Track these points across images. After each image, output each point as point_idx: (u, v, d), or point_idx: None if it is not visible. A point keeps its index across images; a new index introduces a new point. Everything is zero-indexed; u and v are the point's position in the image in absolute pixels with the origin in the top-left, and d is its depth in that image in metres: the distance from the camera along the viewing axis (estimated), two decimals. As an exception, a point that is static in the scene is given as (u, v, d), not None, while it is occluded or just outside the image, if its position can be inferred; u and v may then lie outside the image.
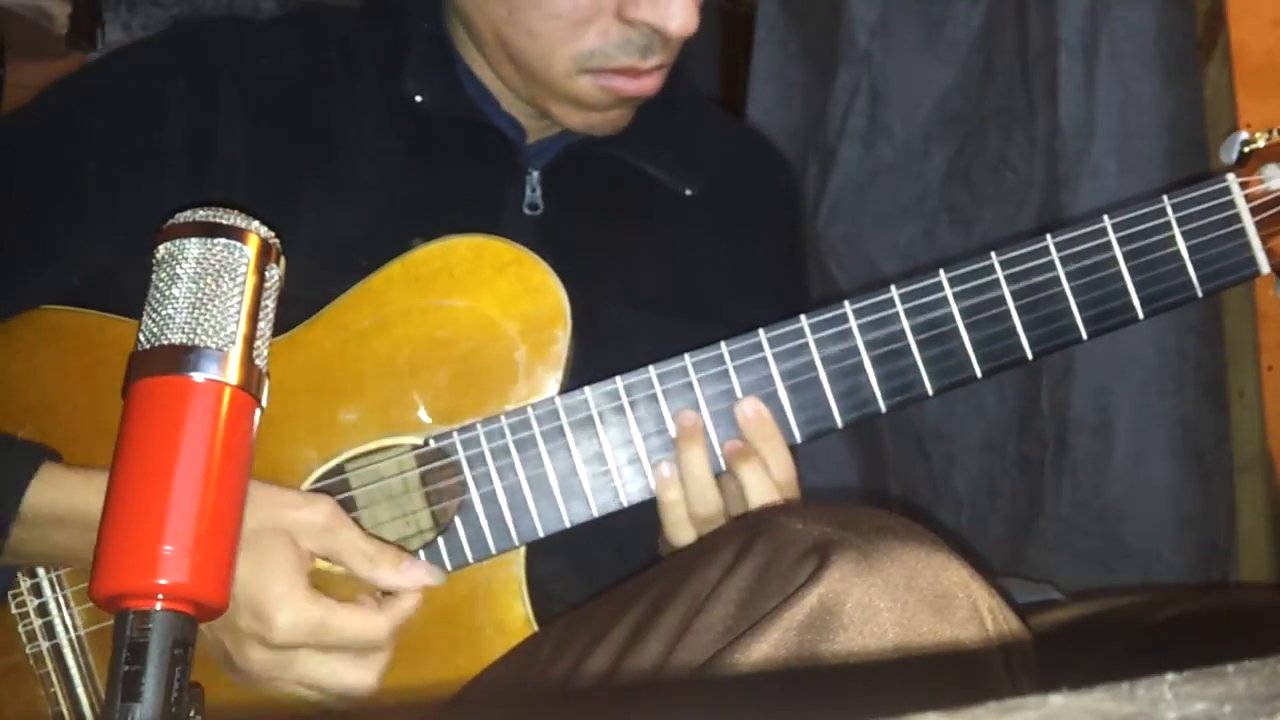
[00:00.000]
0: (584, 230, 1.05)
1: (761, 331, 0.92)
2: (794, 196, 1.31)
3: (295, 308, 0.92)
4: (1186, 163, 1.55)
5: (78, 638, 0.96)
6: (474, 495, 0.92)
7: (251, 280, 0.71)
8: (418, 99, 1.03)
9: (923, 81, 1.84)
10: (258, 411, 0.70)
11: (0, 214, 1.01)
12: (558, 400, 0.92)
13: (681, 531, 0.93)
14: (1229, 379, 1.51)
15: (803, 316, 0.92)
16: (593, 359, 0.94)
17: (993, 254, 0.91)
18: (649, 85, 1.00)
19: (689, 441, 0.92)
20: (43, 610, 0.96)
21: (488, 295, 0.94)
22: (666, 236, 1.11)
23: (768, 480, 0.91)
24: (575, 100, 1.00)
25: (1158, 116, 1.58)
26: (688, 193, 1.11)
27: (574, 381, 0.94)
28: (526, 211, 1.05)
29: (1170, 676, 0.34)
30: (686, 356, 0.92)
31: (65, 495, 0.88)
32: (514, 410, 0.92)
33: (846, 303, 0.91)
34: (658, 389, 0.92)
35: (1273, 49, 1.46)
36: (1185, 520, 1.55)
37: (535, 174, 1.06)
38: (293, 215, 0.91)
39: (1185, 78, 1.55)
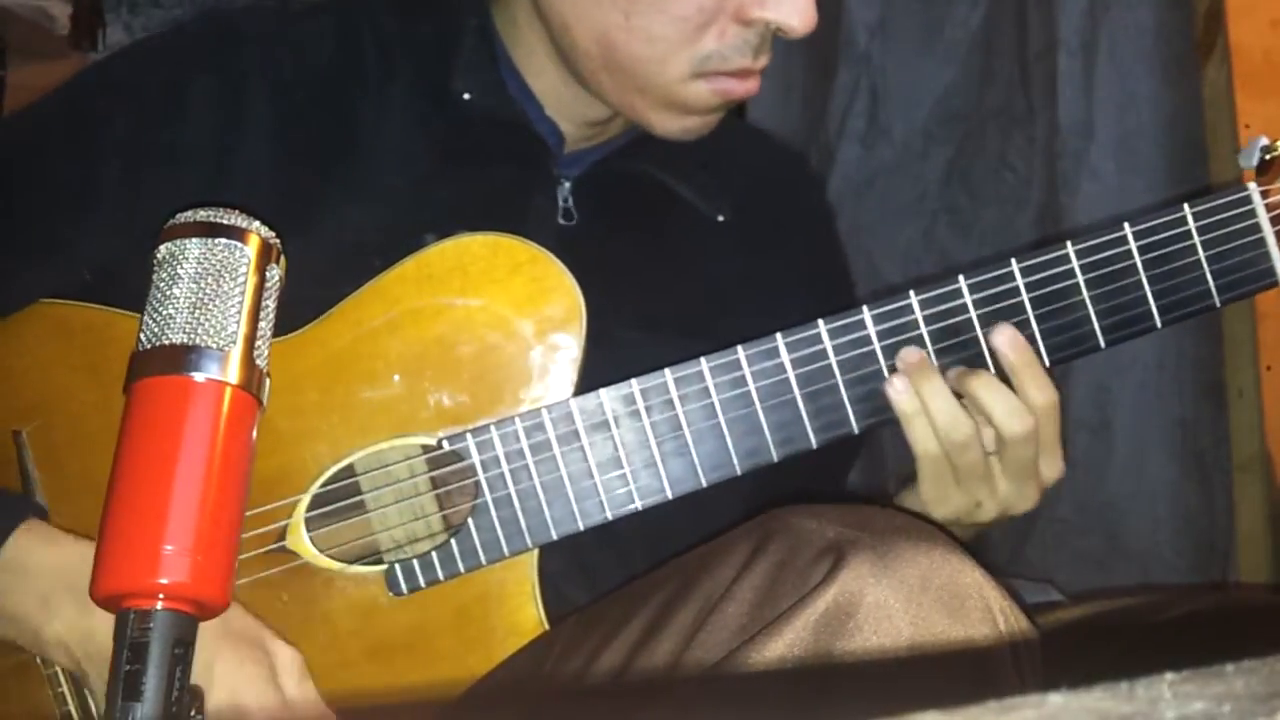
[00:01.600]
0: (609, 246, 1.03)
1: (779, 336, 0.91)
2: (827, 216, 1.28)
3: (310, 309, 0.91)
4: (1185, 163, 1.56)
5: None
6: (487, 497, 0.91)
7: (252, 280, 0.71)
8: (465, 96, 1.00)
9: (922, 82, 1.84)
10: (259, 411, 0.70)
11: (14, 207, 1.00)
12: (573, 403, 0.91)
13: (930, 453, 0.90)
14: (1228, 378, 1.52)
15: (820, 321, 0.91)
16: (603, 382, 0.92)
17: (1013, 260, 0.90)
18: (754, 86, 0.98)
19: (921, 371, 0.89)
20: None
21: (502, 294, 0.92)
22: (693, 262, 1.08)
23: (1018, 405, 0.88)
24: (682, 105, 0.97)
25: (1157, 117, 1.59)
26: (719, 219, 1.09)
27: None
28: (560, 221, 1.03)
29: (1169, 676, 0.34)
30: (703, 360, 0.91)
31: (38, 557, 0.88)
32: (529, 412, 0.92)
33: (865, 308, 0.91)
34: (673, 393, 0.91)
35: (1271, 49, 1.47)
36: (1184, 520, 1.56)
37: (567, 184, 1.04)
38: (314, 216, 0.90)
39: (1184, 78, 1.56)
